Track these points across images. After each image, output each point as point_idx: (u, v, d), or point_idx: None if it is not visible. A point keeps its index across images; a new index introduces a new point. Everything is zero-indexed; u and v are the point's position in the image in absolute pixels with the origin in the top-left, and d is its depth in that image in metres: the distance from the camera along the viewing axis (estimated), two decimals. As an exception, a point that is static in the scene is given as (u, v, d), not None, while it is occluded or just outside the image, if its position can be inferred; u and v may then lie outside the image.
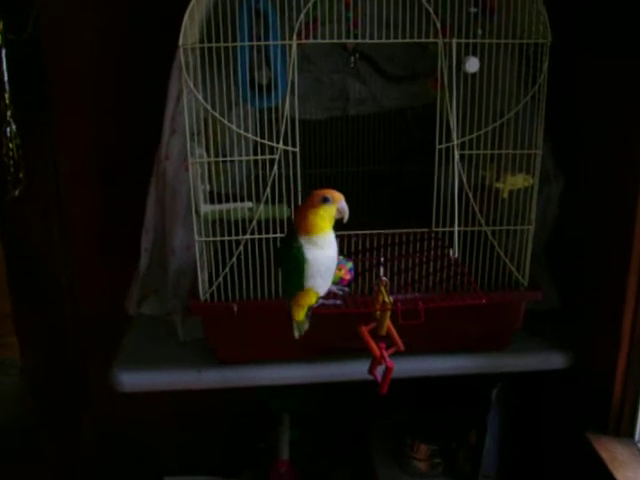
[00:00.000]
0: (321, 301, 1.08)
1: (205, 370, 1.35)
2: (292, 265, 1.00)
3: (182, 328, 1.44)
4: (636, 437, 1.34)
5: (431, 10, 1.12)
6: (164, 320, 1.50)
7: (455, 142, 1.17)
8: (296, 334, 1.09)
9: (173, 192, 1.39)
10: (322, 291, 1.05)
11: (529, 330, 1.39)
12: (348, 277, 1.17)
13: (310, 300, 1.05)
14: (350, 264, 1.19)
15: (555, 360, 1.42)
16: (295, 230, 1.01)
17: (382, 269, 1.12)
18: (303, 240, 0.99)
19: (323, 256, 1.01)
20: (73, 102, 1.67)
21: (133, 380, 1.36)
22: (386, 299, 1.09)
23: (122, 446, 1.94)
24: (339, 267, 1.11)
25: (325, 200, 0.98)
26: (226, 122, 1.17)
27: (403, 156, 1.66)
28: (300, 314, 1.07)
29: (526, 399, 1.60)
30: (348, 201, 1.00)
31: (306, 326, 1.10)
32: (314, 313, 1.08)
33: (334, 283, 1.09)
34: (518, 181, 1.28)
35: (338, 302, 1.11)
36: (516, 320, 1.34)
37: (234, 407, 1.83)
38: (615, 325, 1.29)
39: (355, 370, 1.25)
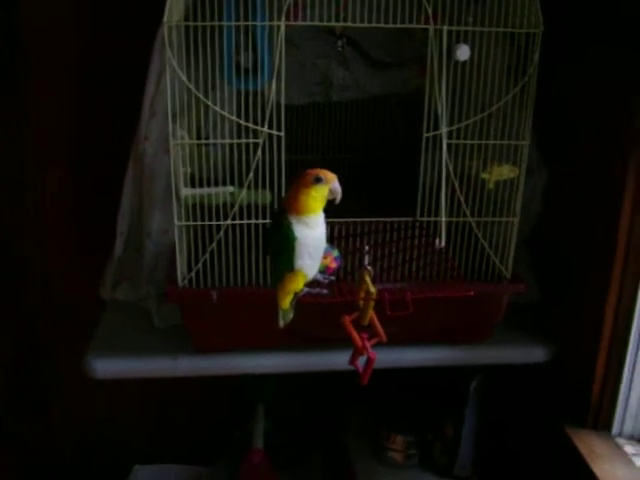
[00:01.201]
0: (306, 289, 1.06)
1: (181, 358, 1.32)
2: (282, 244, 0.99)
3: (157, 315, 1.41)
4: (613, 431, 1.34)
5: (423, -5, 1.09)
6: (139, 306, 1.46)
7: (443, 130, 1.15)
8: (281, 323, 1.07)
9: (151, 175, 1.36)
10: (310, 274, 1.04)
11: (509, 323, 1.37)
12: (334, 265, 1.15)
13: (298, 284, 1.03)
14: (336, 252, 1.16)
15: (535, 353, 1.42)
16: (285, 209, 0.99)
17: (366, 258, 1.09)
18: (293, 219, 0.98)
19: (313, 236, 1.00)
20: (45, 80, 1.61)
21: (107, 367, 1.32)
22: (370, 289, 1.07)
23: (93, 434, 1.91)
24: (325, 255, 1.09)
25: (318, 180, 0.97)
26: (210, 103, 1.14)
27: (385, 144, 1.64)
28: (286, 301, 1.05)
29: (504, 392, 1.59)
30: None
31: (291, 315, 1.08)
32: (299, 302, 1.06)
33: (320, 271, 1.07)
34: (504, 172, 1.27)
35: (324, 291, 1.09)
36: (498, 312, 1.33)
37: (208, 396, 1.81)
38: (597, 319, 1.29)
39: (335, 360, 1.21)
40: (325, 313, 1.11)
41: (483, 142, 1.20)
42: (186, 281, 1.23)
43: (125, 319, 1.46)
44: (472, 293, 1.11)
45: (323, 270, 1.12)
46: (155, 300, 1.41)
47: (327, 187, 0.98)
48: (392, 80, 1.59)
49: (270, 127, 1.15)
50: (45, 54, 1.58)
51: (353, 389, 1.17)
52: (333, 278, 1.13)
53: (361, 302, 1.10)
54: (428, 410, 1.66)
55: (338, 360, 1.15)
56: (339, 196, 0.99)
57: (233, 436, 1.82)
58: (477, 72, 1.18)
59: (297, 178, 0.99)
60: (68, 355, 1.60)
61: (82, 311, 1.59)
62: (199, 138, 1.22)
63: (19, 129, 1.65)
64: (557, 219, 1.44)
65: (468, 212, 1.23)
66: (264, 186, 1.18)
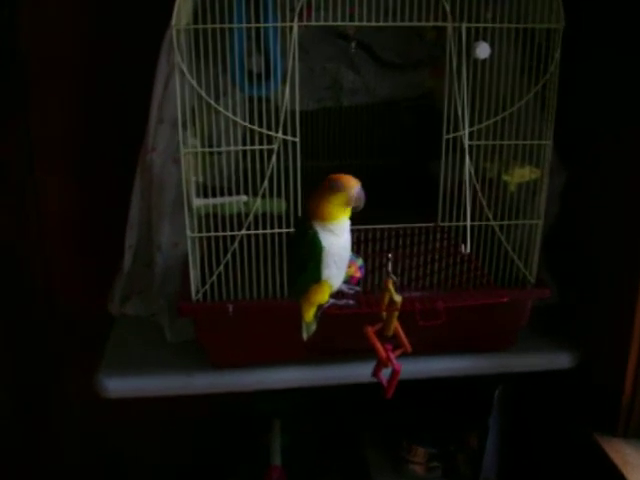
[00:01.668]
0: (332, 301, 1.02)
1: (196, 374, 1.28)
2: (308, 253, 0.96)
3: (170, 330, 1.37)
4: (645, 438, 1.29)
5: (440, -10, 1.05)
6: (150, 321, 1.42)
7: (465, 132, 1.11)
8: (304, 335, 1.03)
9: (160, 186, 1.31)
10: (336, 284, 1.00)
11: (532, 328, 1.33)
12: (358, 275, 1.10)
13: (324, 295, 1.00)
14: (360, 261, 1.12)
15: (561, 359, 1.37)
16: (309, 217, 0.96)
17: (389, 266, 1.05)
18: (318, 227, 0.95)
19: (339, 244, 0.97)
20: (48, 85, 1.56)
21: (119, 386, 1.28)
22: (394, 298, 1.03)
23: (101, 449, 1.86)
24: (349, 264, 1.05)
25: (337, 186, 0.92)
26: (222, 109, 1.09)
27: (398, 148, 1.60)
28: (310, 313, 1.01)
29: (529, 400, 1.55)
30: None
31: (314, 327, 1.04)
32: (325, 313, 1.01)
33: (344, 282, 1.02)
34: (526, 173, 1.23)
35: (351, 302, 1.05)
36: (522, 318, 1.29)
37: (221, 410, 1.76)
38: (626, 320, 1.24)
39: (358, 372, 1.20)
40: (347, 324, 1.07)
41: (505, 142, 1.16)
42: (200, 295, 1.19)
43: (136, 335, 1.41)
44: (505, 299, 1.06)
45: (347, 280, 1.08)
46: (167, 314, 1.37)
47: (346, 194, 0.93)
48: (403, 83, 1.56)
49: (284, 133, 1.10)
50: (47, 57, 1.53)
51: (371, 401, 1.13)
52: (358, 288, 1.08)
53: (384, 312, 1.05)
54: (450, 421, 1.61)
55: (361, 372, 1.13)
56: (362, 203, 0.94)
57: (248, 452, 1.77)
58: (497, 71, 1.13)
59: (320, 184, 0.94)
60: (77, 371, 1.55)
61: (90, 326, 1.54)
62: (210, 146, 1.18)
63: (26, 138, 1.60)
64: (576, 219, 1.40)
65: (490, 215, 1.19)
66: (279, 194, 1.14)
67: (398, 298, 1.02)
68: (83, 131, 1.60)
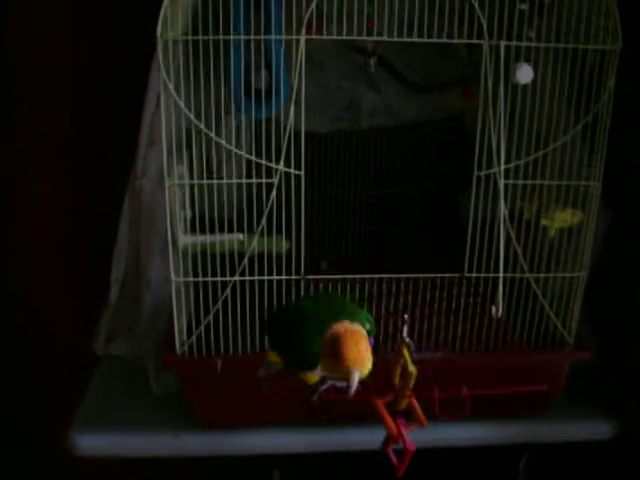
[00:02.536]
0: (330, 382, 0.85)
1: (183, 435, 1.12)
2: (298, 359, 0.83)
3: (156, 378, 1.21)
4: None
5: (476, 5, 0.89)
6: (136, 365, 1.26)
7: (501, 169, 0.94)
8: (261, 372, 0.91)
9: (150, 215, 1.17)
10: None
11: (566, 392, 1.16)
12: None
13: (308, 380, 0.85)
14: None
15: (599, 429, 1.20)
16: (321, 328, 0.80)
17: (405, 329, 0.88)
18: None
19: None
20: (39, 100, 1.44)
21: (93, 444, 1.13)
22: (409, 367, 0.86)
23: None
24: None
25: (332, 352, 0.77)
26: (213, 135, 0.94)
27: (421, 177, 1.43)
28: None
29: (560, 471, 1.37)
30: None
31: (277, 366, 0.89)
32: (324, 399, 0.85)
33: None
34: (567, 217, 1.06)
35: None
36: (557, 384, 1.11)
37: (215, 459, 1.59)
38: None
39: (365, 439, 1.02)
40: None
41: (547, 183, 0.99)
42: (186, 347, 1.03)
43: (119, 381, 1.27)
44: (544, 388, 0.89)
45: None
46: (153, 361, 1.21)
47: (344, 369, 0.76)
48: (429, 105, 1.41)
49: (287, 164, 0.94)
50: (36, 64, 1.42)
51: (381, 460, 0.96)
52: None
53: (397, 381, 0.89)
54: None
55: (368, 439, 0.94)
56: (352, 391, 0.77)
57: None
58: (539, 98, 0.97)
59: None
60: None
61: (76, 365, 1.39)
62: (209, 172, 1.02)
63: (8, 148, 1.49)
64: (620, 265, 1.22)
65: (526, 266, 1.02)
66: (279, 231, 0.98)
67: (413, 369, 0.85)
68: (73, 143, 1.47)
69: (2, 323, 1.59)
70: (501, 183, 0.96)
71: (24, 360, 1.63)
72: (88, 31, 1.38)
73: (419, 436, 0.89)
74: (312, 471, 1.56)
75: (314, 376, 0.86)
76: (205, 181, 0.98)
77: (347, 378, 0.75)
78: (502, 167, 0.94)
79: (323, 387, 0.86)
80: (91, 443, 1.13)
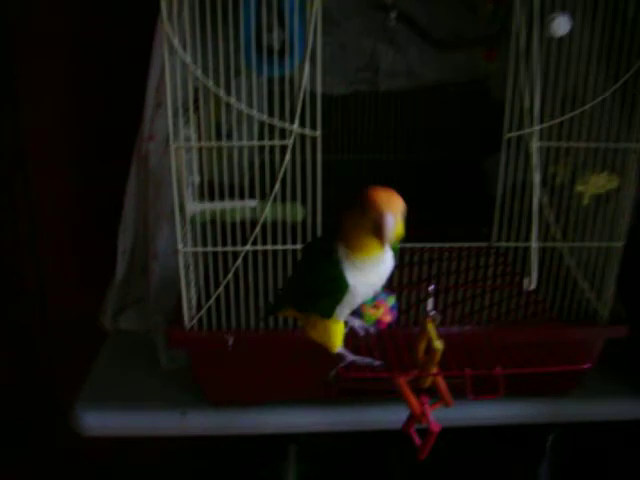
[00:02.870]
0: (349, 357, 0.79)
1: (191, 413, 1.07)
2: (325, 288, 0.73)
3: (165, 353, 1.16)
4: None
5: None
6: (146, 339, 1.21)
7: (535, 130, 0.86)
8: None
9: (158, 182, 1.11)
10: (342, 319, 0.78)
11: (596, 368, 1.09)
12: (388, 319, 0.86)
13: (329, 334, 0.78)
14: (392, 300, 0.86)
15: (630, 408, 1.13)
16: (335, 237, 0.72)
17: (430, 302, 0.82)
18: (343, 254, 0.71)
19: (367, 282, 0.73)
20: (39, 67, 1.40)
21: (97, 423, 1.07)
22: (435, 343, 0.80)
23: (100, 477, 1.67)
24: (377, 304, 0.82)
25: (361, 204, 0.67)
26: (223, 94, 0.87)
27: (443, 142, 1.36)
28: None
29: (588, 449, 1.31)
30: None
31: None
32: (344, 378, 0.79)
33: (369, 325, 0.80)
34: (601, 182, 0.98)
35: (376, 363, 0.82)
36: (589, 361, 1.04)
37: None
38: None
39: (385, 417, 1.02)
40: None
41: (582, 145, 0.92)
42: (195, 322, 0.97)
43: (127, 357, 1.22)
44: (589, 366, 0.83)
45: (373, 323, 0.84)
46: (162, 334, 1.15)
47: (374, 217, 0.66)
48: (452, 65, 1.34)
49: (302, 124, 0.87)
50: (34, 41, 1.38)
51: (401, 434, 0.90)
52: (372, 330, 0.85)
53: (421, 358, 0.83)
54: (493, 467, 1.38)
55: (388, 418, 0.95)
56: (386, 237, 0.66)
57: (260, 476, 1.57)
58: (576, 53, 0.89)
59: (356, 198, 0.69)
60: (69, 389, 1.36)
61: (85, 339, 1.35)
62: (219, 136, 0.96)
63: (15, 132, 1.45)
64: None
65: (559, 235, 0.95)
66: (294, 198, 0.91)
67: (439, 345, 0.79)
68: (76, 119, 1.44)
69: (9, 300, 1.56)
70: (535, 145, 0.88)
71: (31, 337, 1.60)
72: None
73: (442, 414, 0.83)
74: (331, 448, 1.52)
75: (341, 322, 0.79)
76: (214, 143, 0.91)
77: (379, 223, 0.65)
78: (536, 127, 0.87)
79: (341, 364, 0.80)
80: (95, 422, 1.08)
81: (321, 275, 0.73)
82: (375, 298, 0.81)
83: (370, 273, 0.72)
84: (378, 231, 0.66)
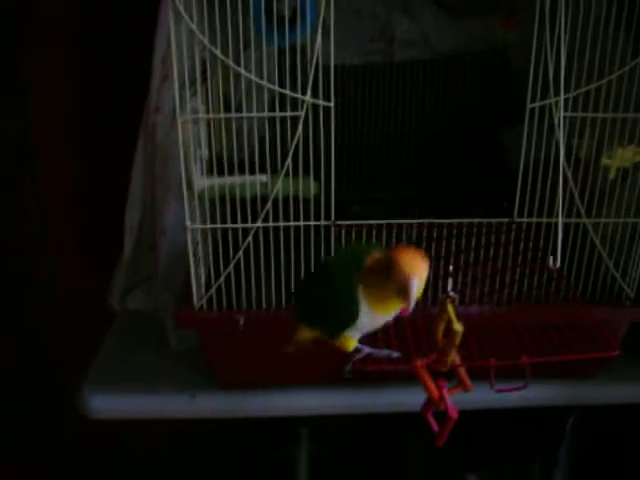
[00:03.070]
0: (366, 350, 0.76)
1: (200, 396, 1.04)
2: (335, 309, 0.73)
3: (174, 333, 1.13)
4: None
5: None
6: (154, 319, 1.18)
7: (561, 99, 0.82)
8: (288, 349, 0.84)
9: (165, 156, 1.08)
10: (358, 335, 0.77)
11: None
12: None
13: (346, 347, 0.77)
14: None
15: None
16: (354, 273, 0.71)
17: (450, 282, 0.78)
18: (362, 298, 0.70)
19: (374, 325, 0.74)
20: (46, 44, 1.38)
21: (105, 406, 1.05)
22: (454, 325, 0.76)
23: (108, 461, 1.65)
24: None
25: (386, 266, 0.67)
26: (231, 63, 0.83)
27: (461, 114, 1.32)
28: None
29: (610, 431, 1.28)
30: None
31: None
32: (360, 370, 0.76)
33: None
34: (628, 155, 0.94)
35: (395, 354, 0.78)
36: (614, 344, 1.00)
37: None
38: None
39: (400, 400, 1.00)
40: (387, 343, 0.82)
41: (609, 115, 0.87)
42: (204, 301, 0.94)
43: (135, 337, 1.20)
44: (617, 353, 0.79)
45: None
46: (172, 314, 1.12)
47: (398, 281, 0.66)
48: (469, 34, 1.29)
49: (315, 95, 0.83)
50: (41, 26, 1.36)
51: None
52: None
53: (440, 341, 0.79)
54: (512, 449, 1.35)
55: (404, 400, 0.93)
56: (410, 301, 0.66)
57: (271, 465, 1.55)
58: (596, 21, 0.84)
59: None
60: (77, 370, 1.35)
61: (93, 319, 1.32)
62: (227, 108, 0.92)
63: (18, 116, 1.43)
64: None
65: (583, 211, 0.90)
66: (307, 172, 0.88)
67: (459, 327, 0.75)
68: (80, 114, 1.43)
69: (19, 289, 1.55)
70: (560, 115, 0.84)
71: (41, 325, 1.59)
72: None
73: (462, 397, 0.80)
74: (344, 430, 1.49)
75: (352, 340, 0.77)
76: (222, 115, 0.87)
77: (404, 287, 0.65)
78: (562, 97, 0.82)
79: (357, 357, 0.77)
80: (103, 405, 1.05)
81: (330, 295, 0.73)
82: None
83: (381, 320, 0.73)
84: (404, 295, 0.66)
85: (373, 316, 0.72)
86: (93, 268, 1.43)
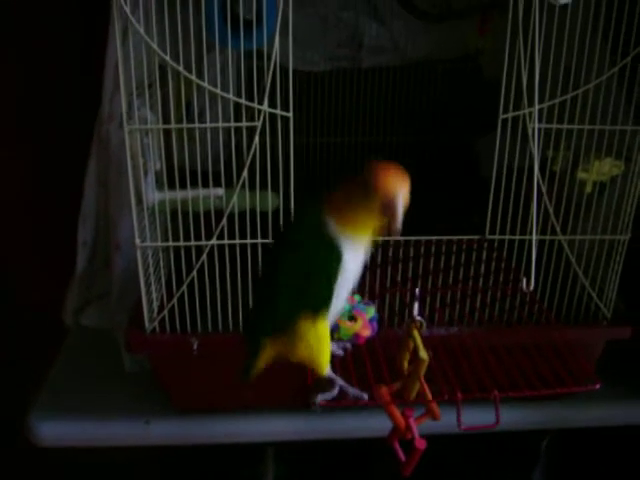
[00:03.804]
0: (340, 382, 0.72)
1: (155, 422, 0.98)
2: (322, 263, 0.65)
3: (128, 355, 1.06)
4: None
5: None
6: (109, 337, 1.11)
7: (535, 110, 0.77)
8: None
9: (119, 167, 1.01)
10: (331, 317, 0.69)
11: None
12: (367, 333, 0.76)
13: (318, 336, 0.69)
14: (372, 311, 0.77)
15: (624, 413, 1.06)
16: (324, 210, 0.65)
17: (416, 306, 0.72)
18: (336, 232, 0.65)
19: (355, 264, 0.67)
20: None
21: (54, 433, 0.98)
22: (421, 353, 0.71)
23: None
24: (353, 315, 0.73)
25: (369, 181, 0.61)
26: (182, 70, 0.77)
27: (431, 123, 1.27)
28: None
29: (582, 454, 1.23)
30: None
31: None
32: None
33: (345, 338, 0.70)
34: (605, 168, 0.90)
35: (365, 396, 0.73)
36: (588, 365, 0.95)
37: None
38: None
39: (365, 426, 0.96)
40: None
41: (585, 127, 0.83)
42: (156, 324, 0.88)
43: (88, 357, 1.13)
44: (598, 386, 0.74)
45: (350, 338, 0.75)
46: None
47: (382, 198, 0.61)
48: (441, 40, 1.25)
49: (273, 104, 0.78)
50: None
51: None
52: (348, 345, 0.76)
53: (406, 368, 0.74)
54: (485, 469, 1.29)
55: (370, 426, 0.89)
56: (397, 218, 0.61)
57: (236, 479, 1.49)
58: (580, 27, 0.80)
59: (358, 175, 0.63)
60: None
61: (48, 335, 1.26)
62: (189, 117, 0.86)
63: None
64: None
65: (558, 227, 0.86)
66: (265, 185, 0.83)
67: (425, 355, 0.70)
68: (33, 108, 1.35)
69: None
70: (534, 127, 0.79)
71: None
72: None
73: (431, 423, 0.76)
74: (310, 449, 1.44)
75: (328, 342, 0.70)
76: (173, 125, 0.81)
77: (389, 201, 0.60)
78: (536, 107, 0.77)
79: (328, 394, 0.71)
80: (51, 431, 0.98)
81: (314, 250, 0.66)
82: (352, 308, 0.71)
83: (359, 253, 0.66)
84: (389, 214, 0.61)
85: (355, 251, 0.66)
86: (48, 282, 1.37)
